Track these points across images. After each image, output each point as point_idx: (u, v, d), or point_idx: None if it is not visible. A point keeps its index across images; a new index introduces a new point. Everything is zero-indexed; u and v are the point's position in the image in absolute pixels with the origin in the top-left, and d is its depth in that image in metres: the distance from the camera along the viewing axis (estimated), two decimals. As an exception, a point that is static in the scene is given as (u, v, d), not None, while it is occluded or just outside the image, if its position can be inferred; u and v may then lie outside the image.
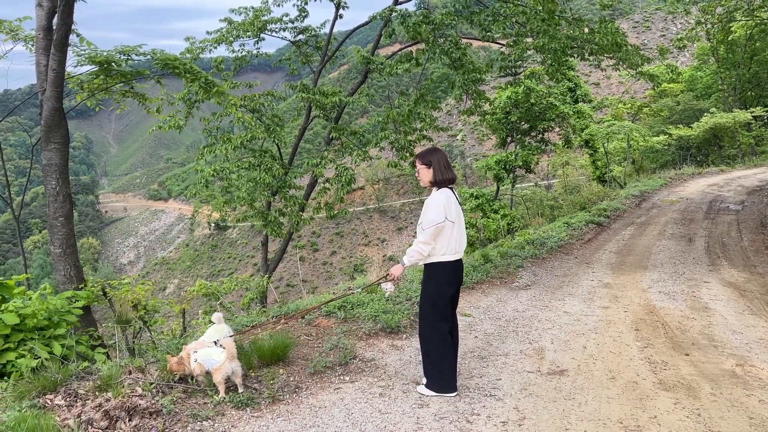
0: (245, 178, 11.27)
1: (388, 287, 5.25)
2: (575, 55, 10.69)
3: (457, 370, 5.66)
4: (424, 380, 5.11)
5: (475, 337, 6.88)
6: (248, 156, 11.62)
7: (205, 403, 4.63)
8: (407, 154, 11.60)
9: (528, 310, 8.14)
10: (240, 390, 4.83)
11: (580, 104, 27.06)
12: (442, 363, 4.96)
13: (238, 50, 13.08)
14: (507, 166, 20.23)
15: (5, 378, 5.07)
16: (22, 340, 5.45)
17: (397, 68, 10.97)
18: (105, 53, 6.76)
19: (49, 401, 4.48)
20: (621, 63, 11.20)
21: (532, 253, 12.05)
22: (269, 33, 12.69)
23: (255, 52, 13.19)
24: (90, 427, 4.06)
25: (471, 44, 12.05)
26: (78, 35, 6.87)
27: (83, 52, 6.83)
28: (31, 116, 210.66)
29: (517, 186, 25.69)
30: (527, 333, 7.05)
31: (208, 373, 4.78)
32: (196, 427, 4.25)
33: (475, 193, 19.59)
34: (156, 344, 7.02)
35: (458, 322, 5.30)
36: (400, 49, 12.37)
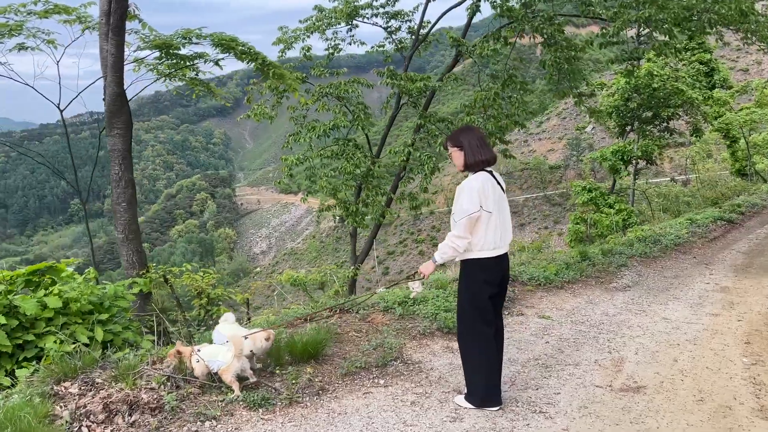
0: (329, 168, 11.03)
1: (415, 287, 4.65)
2: (691, 29, 9.26)
3: (509, 379, 4.98)
4: (466, 390, 4.47)
5: (546, 342, 6.08)
6: (332, 145, 11.37)
7: (217, 401, 4.29)
8: (497, 141, 10.77)
9: (619, 315, 7.17)
10: (251, 380, 4.48)
11: (717, 90, 24.44)
12: (483, 372, 4.29)
13: (331, 38, 12.84)
14: (624, 157, 18.55)
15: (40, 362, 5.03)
16: (65, 324, 5.42)
17: (486, 50, 10.16)
18: (164, 37, 6.69)
19: (63, 389, 4.35)
20: (750, 36, 9.64)
21: (641, 251, 10.81)
22: (361, 19, 12.35)
23: (348, 40, 12.91)
24: (86, 419, 3.85)
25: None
26: (140, 20, 6.88)
27: (147, 37, 6.80)
28: (178, 115, 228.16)
29: (651, 181, 23.67)
30: (610, 340, 6.14)
31: (210, 374, 4.44)
32: (193, 428, 3.92)
33: (587, 186, 18.16)
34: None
35: (503, 326, 4.59)
36: (499, 29, 11.52)
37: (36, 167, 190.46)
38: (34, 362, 5.01)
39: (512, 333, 6.37)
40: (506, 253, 4.32)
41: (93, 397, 4.19)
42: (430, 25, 12.32)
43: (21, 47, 6.57)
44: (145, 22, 6.84)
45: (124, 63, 6.72)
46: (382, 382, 4.87)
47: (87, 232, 9.08)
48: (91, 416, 3.88)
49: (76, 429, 3.77)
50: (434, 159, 10.59)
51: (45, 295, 5.40)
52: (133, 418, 3.93)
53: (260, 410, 4.23)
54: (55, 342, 4.92)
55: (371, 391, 4.70)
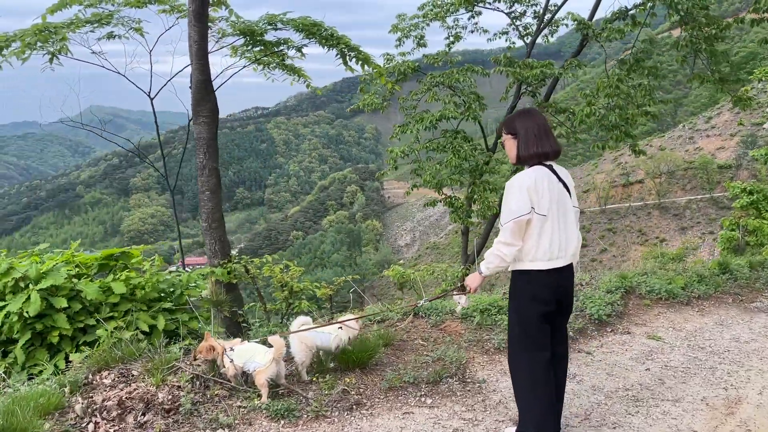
0: (436, 161, 10.47)
1: (461, 301, 4.01)
2: None
3: (584, 411, 4.20)
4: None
5: (647, 369, 5.14)
6: (439, 137, 10.79)
7: (240, 406, 3.99)
8: (622, 134, 9.53)
9: (754, 341, 5.97)
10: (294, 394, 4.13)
11: None
12: (535, 405, 3.58)
13: (452, 26, 12.24)
14: (799, 155, 15.96)
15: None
16: (129, 310, 5.44)
17: (613, 35, 8.98)
18: (247, 23, 6.56)
19: (98, 378, 4.28)
20: None
21: (804, 265, 9.11)
22: (482, 5, 11.62)
23: (470, 27, 12.23)
24: (98, 415, 3.70)
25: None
26: (227, 7, 6.82)
27: (235, 24, 6.72)
28: (333, 110, 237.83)
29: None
30: (730, 374, 5.06)
31: (244, 374, 4.13)
32: (200, 435, 3.63)
33: (748, 188, 15.87)
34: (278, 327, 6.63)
35: (566, 351, 3.81)
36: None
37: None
38: (92, 347, 5.04)
39: (608, 355, 5.49)
40: (568, 266, 3.55)
41: (121, 390, 4.06)
42: (556, 8, 11.29)
43: (110, 36, 6.80)
44: (233, 9, 6.80)
45: (211, 50, 6.67)
46: (429, 401, 4.30)
47: (175, 220, 9.30)
48: (104, 412, 3.73)
49: (84, 425, 3.62)
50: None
51: (113, 281, 5.45)
52: (145, 418, 3.73)
53: (282, 421, 3.86)
54: (106, 330, 4.88)
55: (413, 411, 4.15)
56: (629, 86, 9.22)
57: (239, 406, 3.98)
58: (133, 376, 4.34)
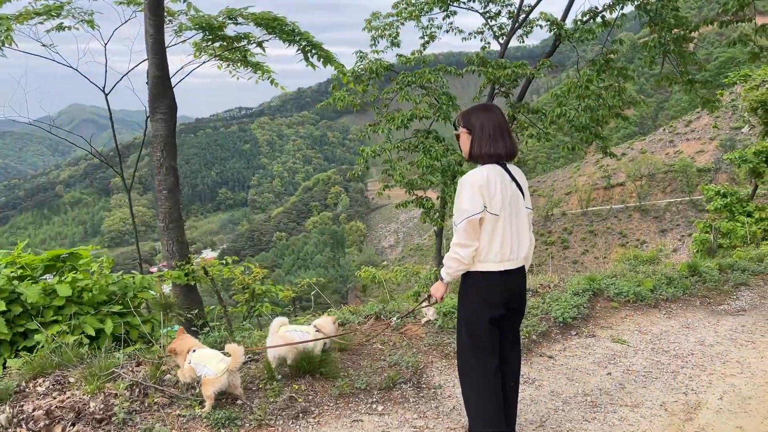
0: (407, 161, 10.33)
1: (429, 313, 3.84)
2: None
3: (539, 418, 4.07)
4: None
5: (608, 374, 5.02)
6: (410, 137, 10.64)
7: (180, 415, 3.79)
8: (591, 136, 9.45)
9: (718, 345, 5.88)
10: (240, 402, 3.94)
11: None
12: (485, 416, 3.43)
13: (427, 26, 12.11)
14: (770, 159, 16.02)
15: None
16: (76, 314, 5.21)
17: (585, 36, 8.90)
18: (206, 16, 6.36)
19: (32, 386, 4.06)
20: None
21: (776, 268, 9.10)
22: (457, 4, 11.50)
23: (445, 27, 12.11)
24: (24, 425, 3.49)
25: None
26: (185, 0, 6.62)
27: (195, 17, 6.52)
28: (317, 111, 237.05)
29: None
30: (692, 378, 4.96)
31: (196, 381, 3.94)
32: (130, 447, 3.44)
33: (722, 191, 15.90)
34: (241, 332, 6.44)
35: (517, 358, 3.66)
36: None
37: (190, 158, 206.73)
38: (33, 352, 4.82)
39: (570, 359, 5.37)
40: (519, 269, 3.40)
41: (53, 399, 3.85)
42: (530, 8, 11.19)
43: (60, 28, 6.58)
44: (191, 2, 6.59)
45: (170, 45, 6.46)
46: (380, 408, 4.14)
47: (132, 217, 9.06)
48: (31, 422, 3.52)
49: (7, 435, 3.41)
50: (520, 152, 9.41)
51: (57, 283, 5.22)
52: (74, 429, 3.53)
53: (223, 431, 3.67)
54: (43, 334, 4.66)
55: (362, 419, 3.99)
56: (600, 87, 9.14)
57: (179, 415, 3.79)
58: (69, 383, 4.13)
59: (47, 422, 3.54)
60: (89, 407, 3.66)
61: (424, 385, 4.54)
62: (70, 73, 7.62)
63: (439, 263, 11.82)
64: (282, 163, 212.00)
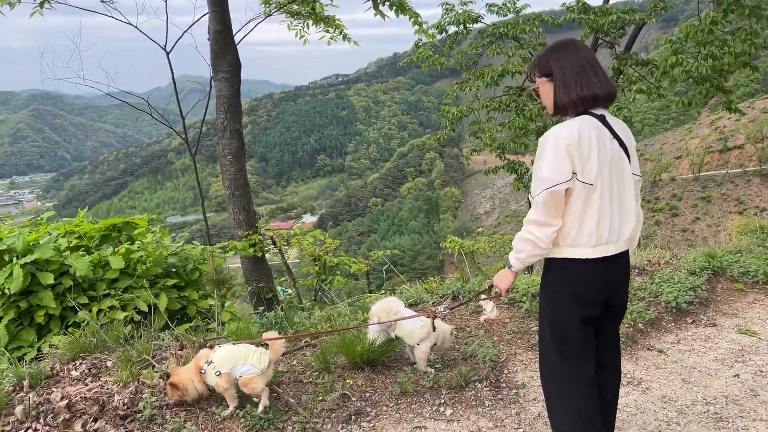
0: (497, 122, 9.40)
1: (488, 308, 3.10)
2: None
3: (640, 440, 3.28)
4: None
5: (735, 376, 4.09)
6: (501, 95, 9.65)
7: (215, 413, 3.31)
8: (712, 89, 8.07)
9: None
10: (283, 399, 3.41)
11: None
12: (577, 427, 2.68)
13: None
14: None
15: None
16: (129, 287, 4.89)
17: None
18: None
19: (67, 370, 3.72)
20: None
21: None
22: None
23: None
24: (41, 419, 3.12)
25: None
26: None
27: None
28: (414, 76, 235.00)
29: None
30: None
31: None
32: (150, 451, 2.98)
33: None
34: (308, 308, 5.98)
35: (616, 362, 2.86)
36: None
37: (290, 125, 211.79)
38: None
39: (686, 354, 4.46)
40: (622, 255, 2.59)
41: (84, 386, 3.48)
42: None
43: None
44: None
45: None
46: (448, 412, 3.48)
47: (198, 184, 8.76)
48: (50, 416, 3.14)
49: (22, 430, 3.05)
50: (625, 111, 8.24)
51: (111, 254, 4.90)
52: (95, 426, 3.11)
53: (261, 434, 3.15)
54: (86, 312, 4.33)
55: (426, 425, 3.35)
56: (725, 32, 7.73)
57: (215, 413, 3.30)
58: (106, 368, 3.75)
59: (67, 416, 3.14)
60: (114, 402, 3.24)
61: (504, 384, 3.82)
62: (178, 46, 7.30)
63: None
64: (377, 129, 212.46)
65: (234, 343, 3.51)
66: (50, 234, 5.03)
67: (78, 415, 3.18)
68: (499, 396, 3.68)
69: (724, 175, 78.84)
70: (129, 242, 5.23)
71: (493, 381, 3.82)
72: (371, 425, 3.32)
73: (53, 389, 3.48)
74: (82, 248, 5.07)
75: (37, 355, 4.37)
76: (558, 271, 2.58)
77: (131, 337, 4.11)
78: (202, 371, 3.30)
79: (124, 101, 8.59)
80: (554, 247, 2.55)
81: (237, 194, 6.34)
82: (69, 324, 4.63)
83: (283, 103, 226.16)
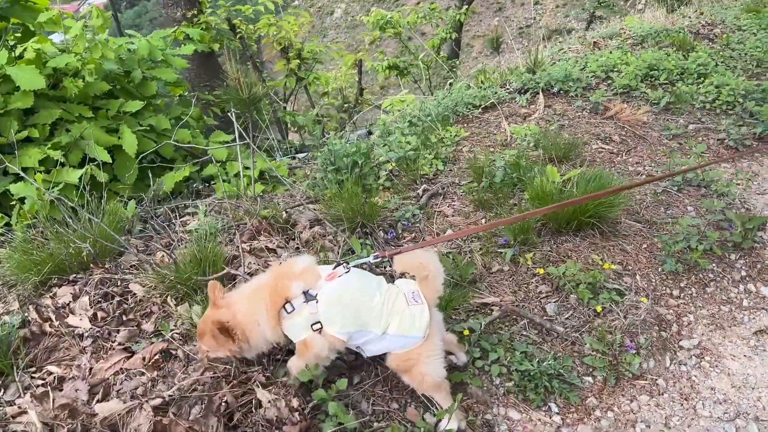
0: None
1: None
2: None
3: None
4: None
5: None
6: None
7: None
8: None
9: None
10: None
11: None
12: None
13: None
14: None
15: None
16: (60, 121, 2.80)
17: None
18: None
19: (45, 292, 1.92)
20: None
21: None
22: None
23: None
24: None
25: None
26: None
27: None
28: None
29: None
30: None
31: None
32: None
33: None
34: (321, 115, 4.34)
35: None
36: None
37: None
38: None
39: None
40: None
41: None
42: None
43: None
44: None
45: None
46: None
47: None
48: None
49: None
50: None
51: (10, 63, 2.70)
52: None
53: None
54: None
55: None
56: None
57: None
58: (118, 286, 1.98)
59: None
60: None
61: None
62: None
63: (464, 1, 9.31)
64: None
65: (347, 269, 1.97)
66: None
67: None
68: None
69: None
70: (31, 39, 2.96)
71: None
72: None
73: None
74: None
75: None
76: None
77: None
78: (287, 310, 1.71)
79: None
80: None
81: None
82: None
83: None
